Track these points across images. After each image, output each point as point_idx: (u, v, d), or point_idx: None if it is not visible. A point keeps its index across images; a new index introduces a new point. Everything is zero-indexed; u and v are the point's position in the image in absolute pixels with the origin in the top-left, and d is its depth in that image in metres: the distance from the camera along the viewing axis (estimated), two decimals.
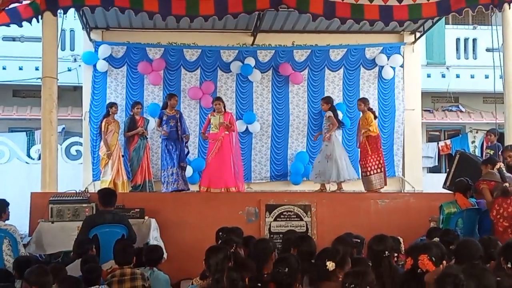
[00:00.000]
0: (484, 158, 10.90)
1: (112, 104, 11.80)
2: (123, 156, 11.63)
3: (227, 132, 11.08)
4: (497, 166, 8.19)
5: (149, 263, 6.38)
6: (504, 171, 8.29)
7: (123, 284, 5.66)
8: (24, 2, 7.84)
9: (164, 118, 11.46)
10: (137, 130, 11.53)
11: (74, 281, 5.10)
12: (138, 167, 11.51)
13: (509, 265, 4.69)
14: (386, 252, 5.25)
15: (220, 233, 6.73)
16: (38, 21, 8.41)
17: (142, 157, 11.56)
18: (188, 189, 11.58)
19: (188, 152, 11.92)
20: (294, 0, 8.24)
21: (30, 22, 8.32)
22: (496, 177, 7.98)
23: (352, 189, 11.59)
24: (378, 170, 10.93)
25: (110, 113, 11.57)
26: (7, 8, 7.58)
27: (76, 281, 5.12)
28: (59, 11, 8.47)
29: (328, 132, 11.13)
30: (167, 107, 11.53)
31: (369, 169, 10.91)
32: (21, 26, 8.49)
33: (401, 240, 6.65)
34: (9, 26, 8.41)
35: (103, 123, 11.48)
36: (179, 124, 11.40)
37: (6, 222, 7.60)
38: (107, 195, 7.82)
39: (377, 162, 10.93)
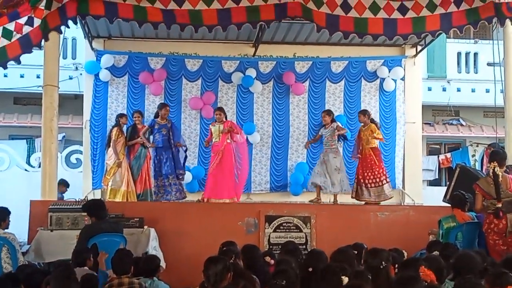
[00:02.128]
0: (485, 172, 10.91)
1: (122, 115, 11.87)
2: None
3: (229, 141, 11.18)
4: (491, 167, 7.94)
5: (146, 273, 6.35)
6: (500, 176, 7.85)
7: None
8: (34, 23, 7.64)
9: (156, 127, 11.50)
10: (136, 140, 11.55)
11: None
12: (138, 176, 11.50)
13: None
14: (383, 263, 5.24)
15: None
16: (46, 40, 8.14)
17: (142, 165, 11.55)
18: (184, 197, 11.57)
19: (185, 158, 11.83)
20: (299, 9, 8.22)
21: (39, 47, 7.78)
22: (492, 191, 7.85)
23: (343, 201, 11.58)
24: (387, 180, 11.05)
25: (120, 123, 11.59)
26: (20, 36, 7.46)
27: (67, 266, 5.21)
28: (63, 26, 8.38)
29: (334, 141, 11.29)
30: (158, 117, 11.58)
31: (382, 178, 10.95)
32: (30, 52, 7.61)
33: (405, 253, 6.64)
34: (19, 62, 7.54)
35: (114, 132, 11.48)
36: (170, 133, 11.45)
37: (5, 230, 7.59)
38: (99, 208, 7.79)
39: (385, 172, 11.11)
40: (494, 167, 7.83)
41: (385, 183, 11.00)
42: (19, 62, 7.58)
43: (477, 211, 8.16)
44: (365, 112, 11.37)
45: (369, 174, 11.02)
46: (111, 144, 11.44)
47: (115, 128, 11.53)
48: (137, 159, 11.56)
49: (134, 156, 11.57)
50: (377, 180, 10.96)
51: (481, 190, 7.93)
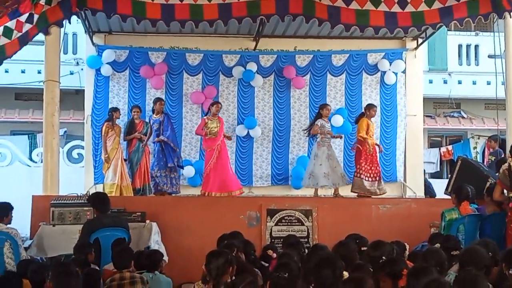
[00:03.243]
0: (486, 164, 10.91)
1: (115, 109, 11.81)
2: (125, 160, 11.60)
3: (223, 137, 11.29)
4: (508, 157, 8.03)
5: (149, 267, 6.37)
6: None
7: None
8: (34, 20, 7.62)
9: (150, 123, 11.67)
10: (133, 135, 11.54)
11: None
12: (136, 170, 11.50)
13: (511, 272, 4.66)
14: (383, 258, 5.25)
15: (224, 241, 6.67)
16: (47, 34, 8.12)
17: (140, 159, 11.53)
18: (177, 192, 11.64)
19: (178, 156, 11.89)
20: (300, 7, 8.22)
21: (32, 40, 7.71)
22: (508, 183, 7.89)
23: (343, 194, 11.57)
24: (373, 178, 10.89)
25: (114, 117, 11.56)
26: (20, 34, 7.44)
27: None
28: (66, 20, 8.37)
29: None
30: (154, 112, 11.76)
31: (361, 172, 10.89)
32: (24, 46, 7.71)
33: (407, 246, 6.64)
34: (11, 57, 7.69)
35: (104, 127, 11.50)
36: (162, 127, 11.52)
37: (8, 225, 7.61)
38: (101, 201, 7.82)
39: (368, 169, 10.92)
40: (510, 162, 7.92)
41: (368, 180, 10.87)
42: (10, 57, 7.60)
43: (494, 201, 8.12)
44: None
45: (374, 168, 10.97)
46: (102, 139, 11.52)
47: (105, 123, 11.55)
48: (135, 153, 11.55)
49: (132, 150, 11.58)
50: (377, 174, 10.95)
51: (500, 182, 7.97)
